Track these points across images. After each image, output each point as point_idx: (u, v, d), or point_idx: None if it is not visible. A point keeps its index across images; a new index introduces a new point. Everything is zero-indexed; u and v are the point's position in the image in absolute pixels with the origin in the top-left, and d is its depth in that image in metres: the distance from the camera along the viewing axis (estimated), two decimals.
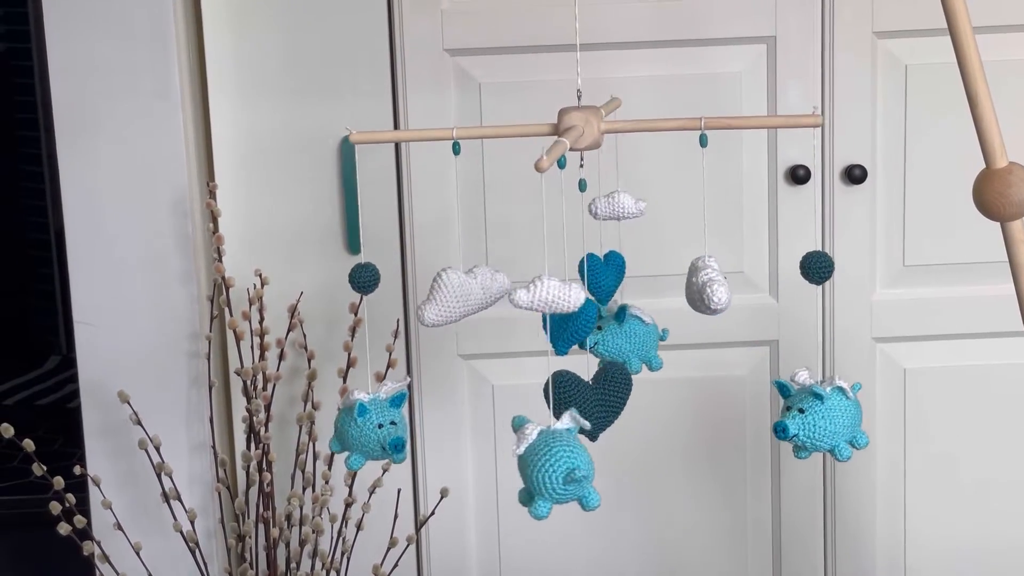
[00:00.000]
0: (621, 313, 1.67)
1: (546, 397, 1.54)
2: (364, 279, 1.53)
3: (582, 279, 1.62)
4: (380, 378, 2.23)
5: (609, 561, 2.47)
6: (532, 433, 1.41)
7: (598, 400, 1.57)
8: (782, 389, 1.51)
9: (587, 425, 1.45)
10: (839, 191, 2.33)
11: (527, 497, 1.41)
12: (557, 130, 1.50)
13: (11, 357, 4.83)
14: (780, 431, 1.47)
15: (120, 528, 2.22)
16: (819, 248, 2.34)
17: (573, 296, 1.40)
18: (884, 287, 2.38)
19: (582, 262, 1.63)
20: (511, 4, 2.27)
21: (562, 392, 1.54)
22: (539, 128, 1.52)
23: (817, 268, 1.52)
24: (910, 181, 2.34)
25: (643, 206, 1.65)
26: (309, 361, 2.27)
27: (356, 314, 2.24)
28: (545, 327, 1.51)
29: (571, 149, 1.50)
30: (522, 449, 1.40)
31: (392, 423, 1.50)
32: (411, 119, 2.29)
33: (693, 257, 1.60)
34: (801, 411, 1.48)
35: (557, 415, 1.47)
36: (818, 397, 1.49)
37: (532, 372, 2.38)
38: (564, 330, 1.54)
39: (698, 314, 1.60)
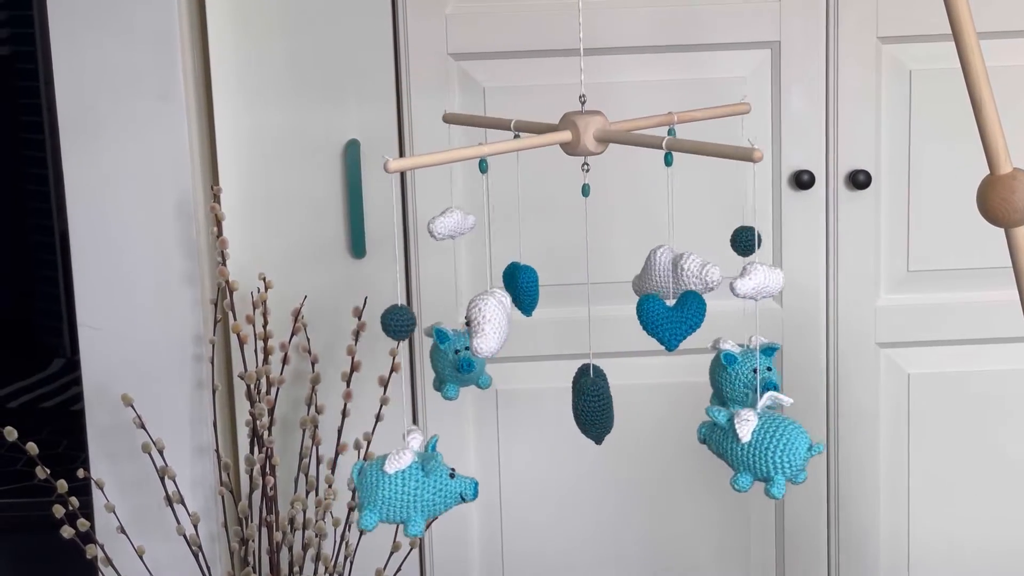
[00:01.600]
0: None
1: (574, 388, 1.55)
2: (399, 323, 1.42)
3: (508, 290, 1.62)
4: (383, 382, 2.23)
5: (613, 563, 2.47)
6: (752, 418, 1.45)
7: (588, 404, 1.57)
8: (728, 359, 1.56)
9: (788, 401, 1.48)
10: (843, 196, 2.33)
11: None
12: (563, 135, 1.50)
13: (16, 359, 4.83)
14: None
15: (123, 531, 2.22)
16: (822, 251, 2.35)
17: (779, 279, 1.45)
18: (888, 292, 2.38)
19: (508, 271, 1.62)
20: (515, 8, 2.28)
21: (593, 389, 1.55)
22: (562, 136, 1.50)
23: (744, 241, 1.55)
24: (914, 186, 2.34)
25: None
26: (313, 365, 2.27)
27: (360, 318, 2.24)
28: (648, 324, 1.53)
29: (571, 154, 1.50)
30: (748, 436, 1.45)
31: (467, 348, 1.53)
32: (415, 123, 2.29)
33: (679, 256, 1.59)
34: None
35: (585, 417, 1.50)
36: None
37: (536, 376, 2.39)
38: (680, 323, 1.55)
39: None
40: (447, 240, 1.61)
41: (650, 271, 1.60)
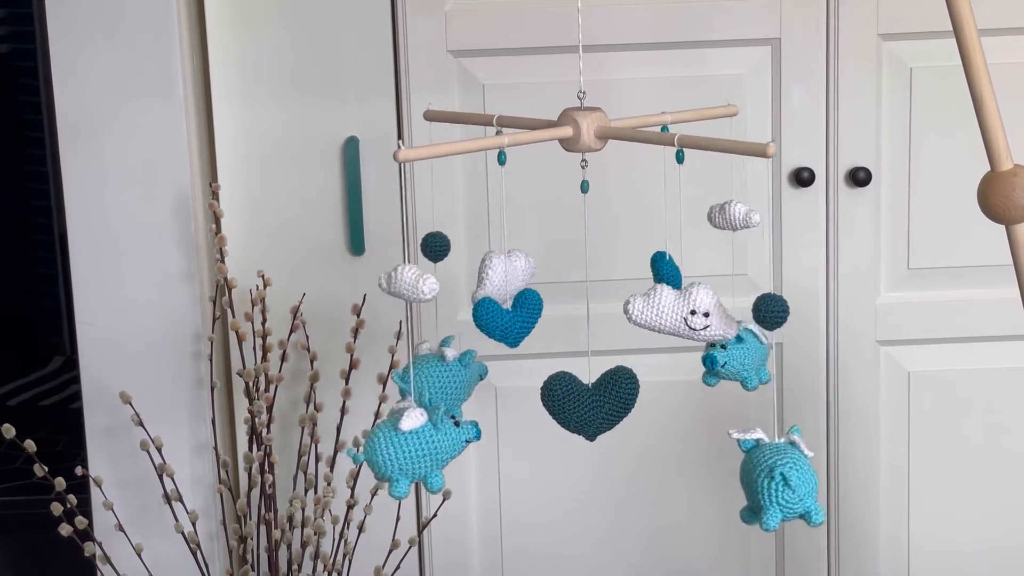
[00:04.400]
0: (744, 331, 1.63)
1: (543, 399, 1.56)
2: (436, 246, 1.60)
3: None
4: (382, 380, 2.23)
5: (611, 565, 2.46)
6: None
7: (597, 403, 1.57)
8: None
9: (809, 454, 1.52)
10: (843, 194, 2.33)
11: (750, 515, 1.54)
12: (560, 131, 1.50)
13: (15, 357, 4.83)
14: (709, 362, 1.60)
15: (122, 529, 2.22)
16: (824, 252, 2.35)
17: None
18: (888, 290, 2.38)
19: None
20: (514, 5, 2.27)
21: (557, 395, 1.55)
22: (564, 131, 1.49)
23: (771, 312, 1.54)
24: (915, 184, 2.34)
25: (757, 218, 1.57)
26: (311, 362, 2.26)
27: (358, 315, 2.24)
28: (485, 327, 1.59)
29: (569, 150, 1.50)
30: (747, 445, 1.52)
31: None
32: (415, 120, 2.28)
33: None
34: (723, 347, 1.60)
35: (554, 416, 1.51)
36: (738, 339, 1.60)
37: (536, 374, 2.38)
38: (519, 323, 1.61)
39: None
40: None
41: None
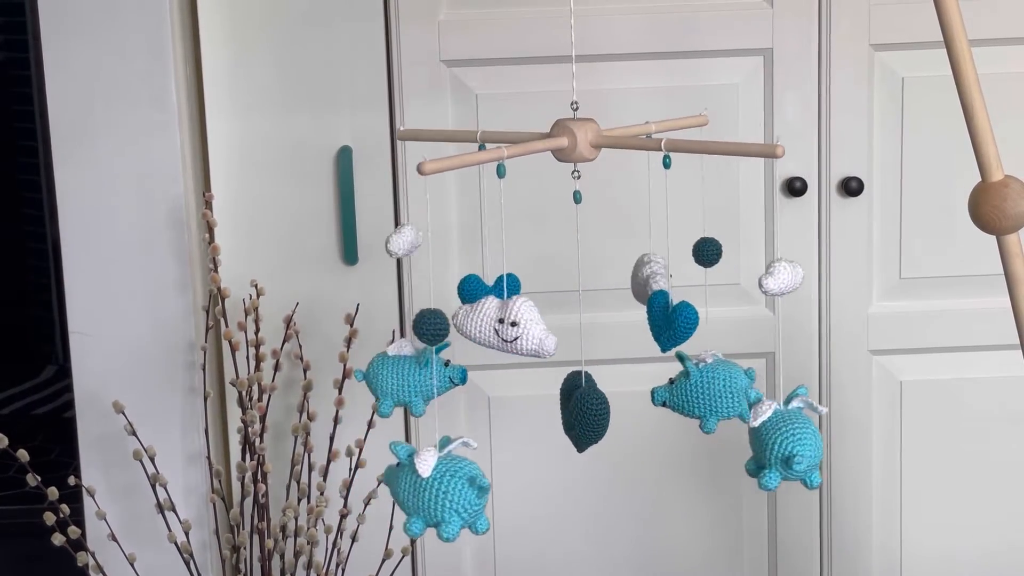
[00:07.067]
0: (683, 362, 1.58)
1: (562, 396, 1.55)
2: (431, 327, 1.46)
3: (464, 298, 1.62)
4: None
5: (605, 570, 2.46)
6: (768, 410, 1.52)
7: (574, 418, 1.56)
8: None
9: (822, 411, 1.54)
10: (836, 203, 2.33)
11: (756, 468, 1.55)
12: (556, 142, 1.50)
13: (8, 366, 4.83)
14: (653, 397, 1.59)
15: (114, 539, 2.21)
16: (815, 256, 2.35)
17: (800, 275, 1.48)
18: (880, 300, 2.38)
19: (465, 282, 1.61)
20: (508, 15, 2.28)
21: (563, 393, 1.56)
22: (558, 142, 1.50)
23: (707, 253, 1.56)
24: (906, 193, 2.34)
25: (800, 275, 1.54)
26: (305, 372, 2.26)
27: (352, 325, 2.24)
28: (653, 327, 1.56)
29: (562, 160, 1.50)
30: (757, 423, 1.51)
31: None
32: None
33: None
34: (671, 381, 1.58)
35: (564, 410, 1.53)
36: (686, 374, 1.58)
37: (528, 384, 2.39)
38: (668, 328, 1.55)
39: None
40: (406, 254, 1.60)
41: (635, 273, 1.62)
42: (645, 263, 1.62)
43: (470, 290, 1.53)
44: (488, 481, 1.48)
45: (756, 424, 1.52)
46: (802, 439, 1.49)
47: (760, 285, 1.48)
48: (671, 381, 1.58)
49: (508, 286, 1.53)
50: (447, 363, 1.57)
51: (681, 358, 1.57)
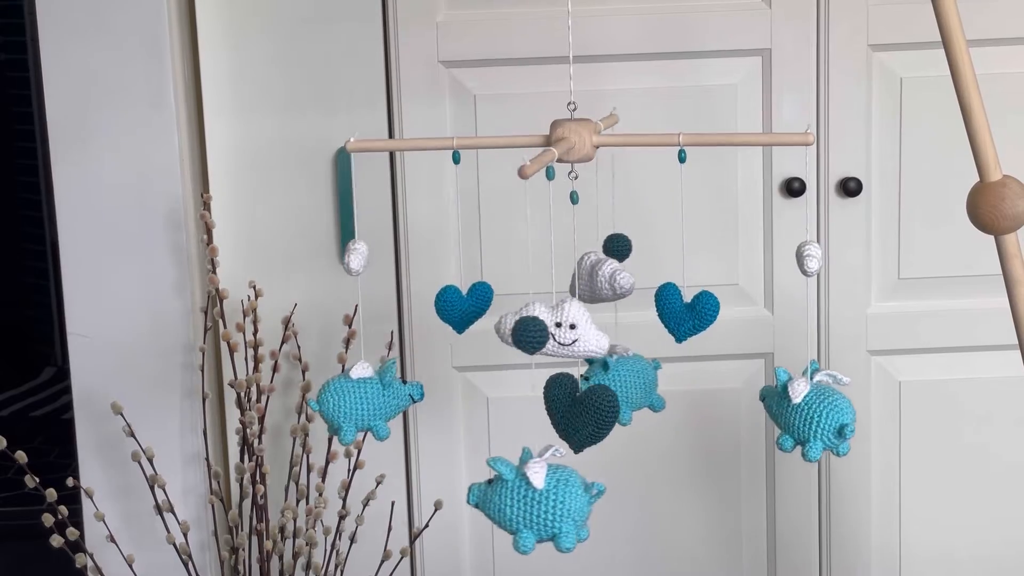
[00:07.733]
0: (604, 362, 1.62)
1: (545, 399, 1.56)
2: (533, 335, 1.45)
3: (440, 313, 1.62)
4: None
5: (604, 571, 2.46)
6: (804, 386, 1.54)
7: (577, 417, 1.56)
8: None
9: (846, 381, 1.57)
10: (834, 204, 2.33)
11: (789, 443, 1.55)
12: (549, 141, 1.50)
13: (6, 368, 4.83)
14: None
15: (113, 540, 2.21)
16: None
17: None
18: (879, 300, 2.38)
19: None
20: (506, 16, 2.28)
21: (548, 396, 1.58)
22: (533, 139, 1.52)
23: (620, 247, 1.63)
24: (905, 194, 2.34)
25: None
26: (303, 373, 2.26)
27: (350, 326, 2.24)
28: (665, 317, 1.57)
29: (561, 161, 1.50)
30: (799, 399, 1.53)
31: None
32: (406, 130, 2.28)
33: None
34: (586, 379, 1.61)
35: (549, 417, 1.50)
36: (604, 366, 1.61)
37: (526, 384, 2.38)
38: (691, 318, 1.58)
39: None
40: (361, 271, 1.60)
41: (590, 272, 1.63)
42: (585, 258, 1.63)
43: (449, 301, 1.57)
44: (603, 485, 1.48)
45: (798, 401, 1.54)
46: (845, 409, 1.54)
47: (806, 271, 1.50)
48: (584, 377, 1.60)
49: (480, 295, 1.57)
50: (403, 381, 1.61)
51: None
